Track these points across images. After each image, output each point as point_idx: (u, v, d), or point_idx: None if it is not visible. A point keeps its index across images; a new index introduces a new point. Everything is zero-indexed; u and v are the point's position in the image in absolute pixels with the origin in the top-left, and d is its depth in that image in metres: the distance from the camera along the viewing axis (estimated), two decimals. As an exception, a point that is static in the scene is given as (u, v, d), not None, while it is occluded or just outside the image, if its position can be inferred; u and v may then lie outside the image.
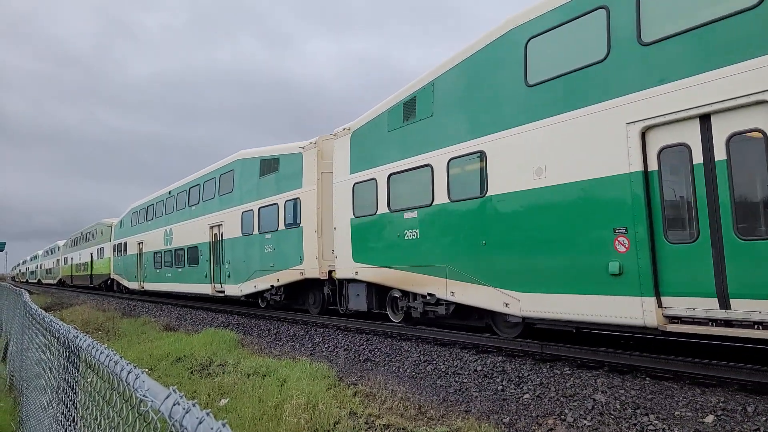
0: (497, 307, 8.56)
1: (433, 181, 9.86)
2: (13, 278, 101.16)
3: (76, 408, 3.33)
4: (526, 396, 6.62)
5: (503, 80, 8.57)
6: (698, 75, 6.20)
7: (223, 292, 18.42)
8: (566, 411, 5.91)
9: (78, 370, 3.29)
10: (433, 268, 9.81)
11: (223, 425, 1.26)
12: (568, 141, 7.53)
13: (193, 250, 20.86)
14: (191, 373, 8.54)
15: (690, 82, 6.26)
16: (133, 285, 29.09)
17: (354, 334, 11.68)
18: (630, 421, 5.51)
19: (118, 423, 2.27)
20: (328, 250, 13.11)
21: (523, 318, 8.23)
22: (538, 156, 7.87)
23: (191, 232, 21.13)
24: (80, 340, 3.04)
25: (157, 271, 25.12)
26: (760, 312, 5.77)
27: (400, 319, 11.47)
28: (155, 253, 25.36)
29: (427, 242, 10.00)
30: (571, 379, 7.01)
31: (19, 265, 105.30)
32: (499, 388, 7.02)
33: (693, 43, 6.32)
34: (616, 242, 6.92)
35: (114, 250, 33.32)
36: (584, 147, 7.34)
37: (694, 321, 6.39)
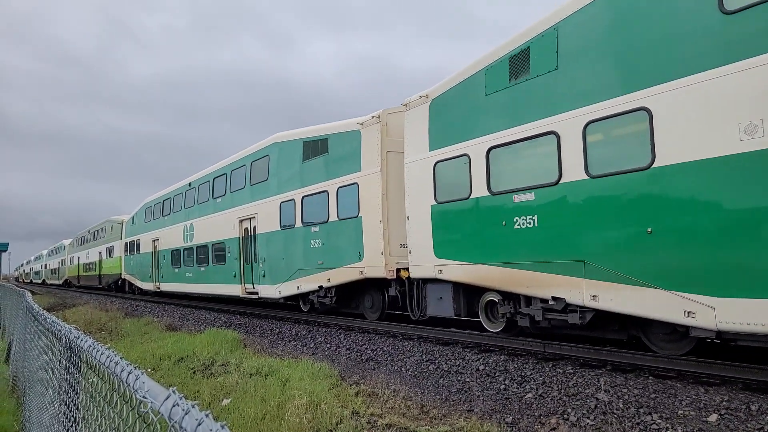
0: (673, 316, 6.51)
1: (560, 152, 7.77)
2: (16, 279, 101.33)
3: (77, 409, 3.33)
4: (529, 395, 6.60)
5: (683, 10, 6.54)
6: None
7: (256, 293, 16.23)
8: (569, 410, 5.90)
9: (79, 371, 3.29)
10: (562, 265, 7.70)
11: (222, 427, 1.25)
12: None
13: (219, 246, 18.83)
14: (194, 372, 8.55)
15: None
16: (147, 286, 27.20)
17: (356, 334, 11.68)
18: (633, 420, 5.49)
19: (119, 424, 2.27)
20: (396, 245, 11.22)
21: (719, 332, 6.19)
22: (750, 108, 5.85)
23: (217, 226, 19.02)
24: (81, 340, 3.04)
25: (176, 270, 23.08)
26: None
27: (499, 329, 9.36)
28: (173, 251, 23.29)
29: (550, 231, 7.90)
30: (574, 378, 7.00)
31: (22, 265, 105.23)
32: (502, 387, 7.01)
33: None
34: None
35: (125, 249, 31.23)
36: None
37: None
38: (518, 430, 5.64)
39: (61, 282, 55.95)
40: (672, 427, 5.25)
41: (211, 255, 19.49)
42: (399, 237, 11.11)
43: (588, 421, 5.58)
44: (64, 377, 3.67)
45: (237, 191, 17.84)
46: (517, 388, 6.91)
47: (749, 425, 5.13)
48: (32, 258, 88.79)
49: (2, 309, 16.02)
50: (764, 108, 5.75)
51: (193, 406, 1.41)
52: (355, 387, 7.08)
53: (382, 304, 12.46)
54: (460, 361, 8.44)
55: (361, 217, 11.89)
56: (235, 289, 17.64)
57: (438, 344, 9.80)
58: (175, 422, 1.43)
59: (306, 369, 7.91)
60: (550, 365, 7.69)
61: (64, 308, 22.83)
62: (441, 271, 9.80)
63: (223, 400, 6.79)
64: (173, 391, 1.58)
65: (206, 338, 11.28)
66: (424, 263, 10.18)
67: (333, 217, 12.77)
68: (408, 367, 8.57)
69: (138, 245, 28.51)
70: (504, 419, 5.82)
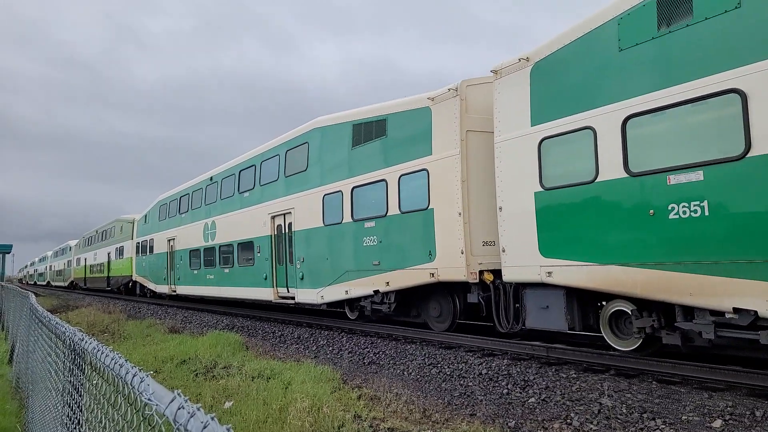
0: None
1: (746, 116, 5.98)
2: (20, 280, 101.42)
3: (81, 411, 3.33)
4: (532, 400, 6.58)
5: None
6: None
7: (292, 298, 14.49)
8: (572, 415, 5.87)
9: (83, 373, 3.29)
10: (753, 267, 5.91)
11: (228, 430, 1.25)
12: None
13: (247, 246, 17.11)
14: (196, 375, 8.54)
15: None
16: (162, 288, 25.59)
17: (358, 337, 11.67)
18: (637, 425, 5.47)
19: (123, 426, 2.26)
20: (478, 242, 9.57)
21: None
22: None
23: (243, 224, 17.28)
24: (85, 342, 3.04)
25: (194, 272, 21.36)
26: None
27: (632, 347, 7.55)
28: (192, 251, 21.59)
29: (731, 222, 6.12)
30: (577, 382, 6.98)
31: (26, 266, 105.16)
32: (505, 391, 6.99)
33: None
34: None
35: (137, 249, 29.63)
36: None
37: None
38: (521, 434, 5.61)
39: (66, 284, 54.50)
40: (676, 433, 5.22)
41: (236, 255, 17.80)
42: (482, 232, 9.57)
43: (591, 426, 5.56)
44: (68, 379, 3.67)
45: (268, 184, 16.08)
46: (520, 393, 6.89)
47: (754, 431, 5.10)
48: (36, 259, 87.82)
49: (6, 311, 16.06)
50: None
51: (198, 409, 1.41)
52: (357, 390, 7.07)
53: (452, 313, 10.55)
54: (463, 364, 8.43)
55: (432, 209, 10.15)
56: (265, 293, 15.91)
57: (440, 348, 9.78)
58: (181, 425, 1.42)
59: (308, 372, 7.90)
60: (553, 370, 7.67)
61: (67, 310, 22.86)
62: (550, 273, 8.05)
63: (225, 403, 6.79)
64: (178, 394, 1.58)
65: (208, 341, 11.27)
66: (523, 264, 8.46)
67: (393, 210, 11.08)
68: (410, 370, 8.56)
69: (151, 245, 26.99)
70: (507, 424, 5.80)
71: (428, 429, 5.60)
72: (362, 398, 6.68)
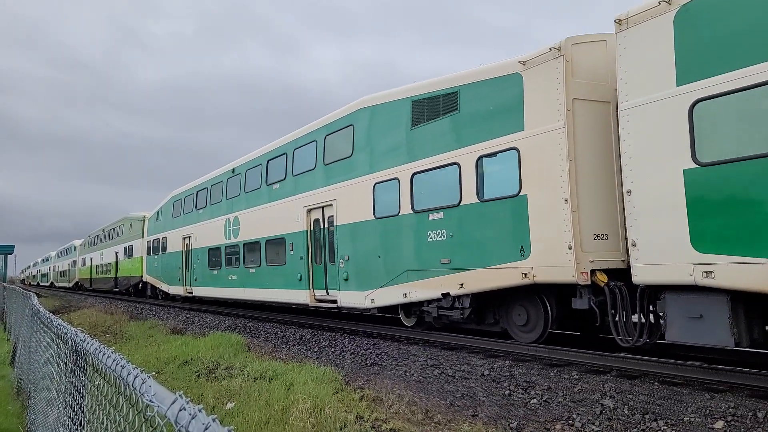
0: None
1: None
2: (22, 281, 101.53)
3: (83, 412, 3.33)
4: (534, 401, 6.58)
5: None
6: None
7: (333, 302, 12.99)
8: (574, 416, 5.87)
9: (85, 374, 3.30)
10: None
11: (230, 431, 1.25)
12: None
13: (277, 243, 15.48)
14: (198, 376, 8.55)
15: None
16: (176, 290, 24.00)
17: (360, 338, 11.66)
18: (639, 426, 5.46)
19: (125, 427, 2.27)
20: (589, 234, 7.99)
21: None
22: None
23: (272, 219, 15.69)
24: (87, 343, 3.05)
25: (214, 272, 19.80)
26: None
27: None
28: (211, 249, 20.03)
29: None
30: (579, 383, 6.97)
31: (29, 267, 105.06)
32: (507, 392, 6.98)
33: None
34: None
35: (148, 248, 27.93)
36: None
37: None
38: (523, 435, 5.61)
39: (71, 285, 53.07)
40: (678, 434, 5.21)
41: (264, 254, 16.19)
42: (593, 223, 8.04)
43: (593, 427, 5.55)
44: (70, 380, 3.68)
45: (303, 174, 14.42)
46: (522, 394, 6.88)
47: (756, 432, 5.09)
48: (39, 260, 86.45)
49: (8, 311, 16.10)
50: None
51: (200, 410, 1.41)
52: (359, 391, 7.07)
53: (543, 320, 8.83)
54: (466, 366, 8.42)
55: (525, 195, 8.55)
56: (299, 296, 14.29)
57: (443, 349, 9.77)
58: (182, 426, 1.43)
59: (310, 373, 7.90)
60: (556, 371, 7.66)
61: (69, 311, 22.91)
62: (709, 273, 6.37)
63: (227, 404, 6.79)
64: (180, 395, 1.58)
65: (210, 342, 11.29)
66: (666, 261, 6.82)
67: (469, 199, 9.44)
68: (413, 371, 8.55)
69: (164, 244, 25.40)
70: (509, 425, 5.79)
71: (430, 430, 5.60)
72: (364, 399, 6.68)
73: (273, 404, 6.36)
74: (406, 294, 10.75)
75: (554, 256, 8.09)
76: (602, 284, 7.68)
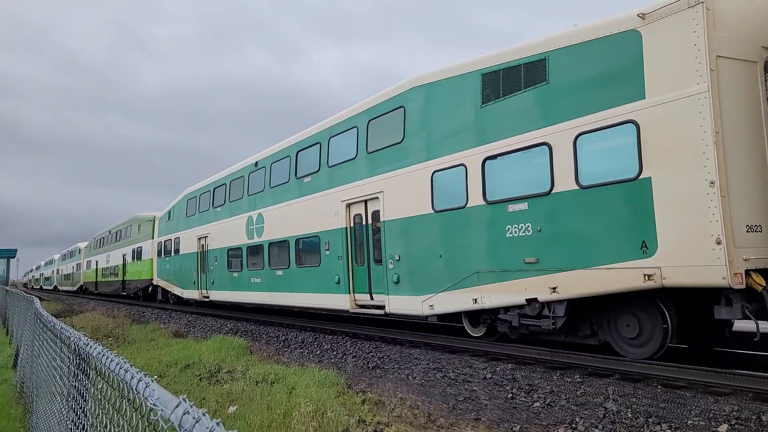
0: None
1: None
2: (25, 285, 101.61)
3: (85, 415, 3.33)
4: (537, 404, 6.56)
5: None
6: None
7: (380, 307, 11.57)
8: (577, 419, 5.85)
9: (88, 378, 3.30)
10: None
11: (233, 435, 1.25)
12: None
13: (309, 242, 14.11)
14: (200, 380, 8.55)
15: None
16: (190, 294, 22.49)
17: (362, 341, 11.65)
18: (642, 430, 5.44)
19: (128, 431, 2.27)
20: (740, 226, 6.54)
21: None
22: None
23: (304, 215, 14.29)
24: (90, 347, 3.05)
25: (234, 275, 18.45)
26: None
27: None
28: (230, 250, 18.71)
29: None
30: (582, 387, 6.95)
31: (32, 270, 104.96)
32: (509, 396, 6.97)
33: None
34: None
35: (159, 250, 26.52)
36: None
37: None
38: (526, 439, 5.60)
39: (75, 289, 51.33)
40: (682, 438, 5.19)
41: (293, 254, 14.78)
42: (746, 212, 6.60)
43: (596, 430, 5.53)
44: (73, 384, 3.68)
45: (341, 164, 12.99)
46: (525, 397, 6.87)
47: (761, 436, 5.07)
48: (42, 263, 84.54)
49: (10, 315, 16.12)
50: None
51: (203, 414, 1.41)
52: (361, 395, 7.06)
53: (661, 333, 7.34)
54: (468, 369, 8.41)
55: (649, 178, 7.01)
56: (336, 301, 12.94)
57: (445, 352, 9.76)
58: (186, 430, 1.43)
59: (312, 376, 7.89)
60: (558, 374, 7.65)
61: (71, 314, 22.93)
62: None
63: (229, 407, 6.78)
64: (183, 399, 1.59)
65: (212, 345, 11.29)
66: None
67: (564, 185, 7.93)
68: (415, 375, 8.54)
69: (177, 245, 24.00)
70: (512, 428, 5.78)
71: (433, 434, 5.58)
72: (366, 403, 6.67)
73: (275, 408, 6.35)
74: (476, 299, 9.20)
75: (695, 253, 6.54)
76: (760, 288, 6.26)
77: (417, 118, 10.74)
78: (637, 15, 7.24)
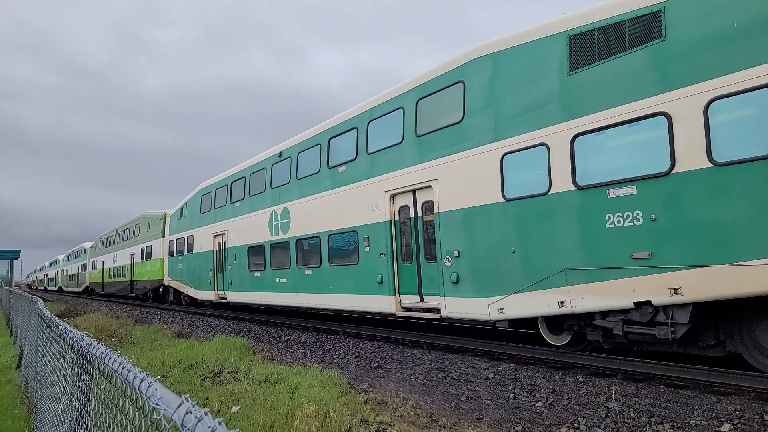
0: None
1: None
2: (28, 286, 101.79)
3: (89, 415, 3.35)
4: (539, 404, 6.56)
5: None
6: None
7: (435, 310, 10.22)
8: (579, 419, 5.85)
9: (91, 378, 3.32)
10: None
11: (235, 434, 1.26)
12: None
13: (345, 238, 12.89)
14: (203, 380, 8.57)
15: None
16: (205, 295, 21.33)
17: (365, 341, 11.66)
18: (644, 429, 5.44)
19: (131, 430, 2.28)
20: None
21: None
22: None
23: (339, 209, 13.06)
24: (94, 347, 3.07)
25: (256, 274, 17.17)
26: None
27: None
28: (251, 248, 17.44)
29: None
30: (585, 386, 6.95)
31: (35, 271, 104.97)
32: (512, 395, 6.97)
33: None
34: None
35: (170, 249, 25.38)
36: None
37: None
38: (528, 439, 5.60)
39: (80, 289, 49.98)
40: (684, 437, 5.19)
41: (326, 251, 13.55)
42: None
43: (598, 430, 5.53)
44: (76, 384, 3.70)
45: (384, 150, 11.70)
46: (527, 397, 6.87)
47: (763, 435, 5.06)
48: (46, 264, 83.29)
49: (14, 316, 16.17)
50: None
51: (206, 414, 1.43)
52: (364, 395, 7.07)
53: None
54: (470, 369, 8.41)
55: None
56: (379, 303, 11.66)
57: (448, 352, 9.76)
58: (188, 430, 1.44)
59: (315, 376, 7.90)
60: (561, 374, 7.65)
61: (75, 315, 22.99)
62: None
63: (232, 407, 6.80)
64: (186, 398, 1.60)
65: (215, 345, 11.31)
66: None
67: (689, 163, 6.57)
68: (417, 375, 8.54)
69: (190, 243, 22.86)
70: (514, 428, 5.78)
71: (435, 433, 5.59)
72: (369, 403, 6.68)
73: (278, 408, 6.36)
74: (563, 302, 7.84)
75: None
76: None
77: (480, 94, 9.35)
78: None
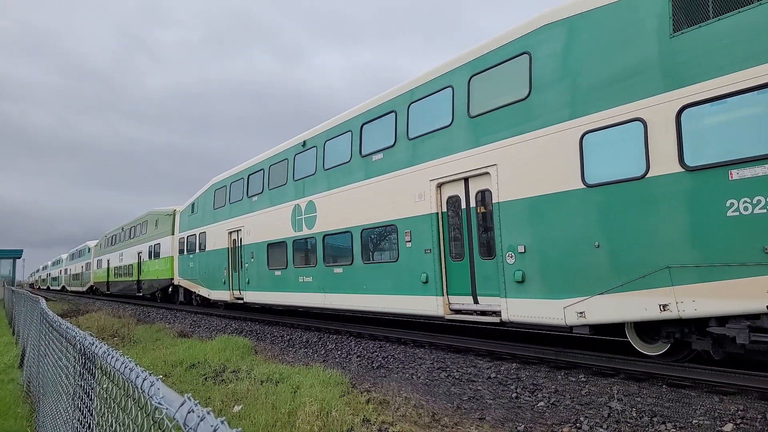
0: None
1: None
2: (31, 285, 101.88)
3: (91, 414, 3.35)
4: (541, 404, 6.55)
5: None
6: None
7: (494, 313, 9.12)
8: (582, 419, 5.84)
9: (93, 377, 3.32)
10: None
11: (238, 433, 1.26)
12: None
13: (382, 233, 11.73)
14: (205, 379, 8.57)
15: None
16: (219, 295, 20.12)
17: (367, 341, 11.66)
18: (647, 429, 5.43)
19: (134, 430, 2.28)
20: None
21: None
22: None
23: (374, 201, 11.86)
24: (96, 347, 3.07)
25: (276, 273, 15.92)
26: None
27: None
28: (271, 245, 16.20)
29: None
30: (587, 386, 6.94)
31: (38, 270, 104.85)
32: (514, 395, 6.96)
33: None
34: None
35: (180, 247, 24.22)
36: None
37: None
38: (530, 438, 5.59)
39: (84, 289, 48.80)
40: (687, 437, 5.18)
41: (358, 248, 12.38)
42: None
43: (601, 430, 5.52)
44: (78, 383, 3.70)
45: (429, 135, 10.45)
46: (530, 397, 6.86)
47: (766, 435, 5.05)
48: (49, 263, 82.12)
49: (16, 315, 16.21)
50: None
51: (208, 413, 1.42)
52: (366, 394, 7.07)
53: None
54: (472, 368, 8.40)
55: None
56: (423, 304, 10.46)
57: (450, 352, 9.76)
58: (191, 428, 1.44)
59: (317, 376, 7.90)
60: (563, 373, 7.64)
61: (77, 314, 23.03)
62: None
63: (234, 407, 6.80)
64: (188, 398, 1.60)
65: (217, 345, 11.32)
66: None
67: None
68: (419, 374, 8.54)
69: (202, 241, 21.69)
70: (516, 428, 5.77)
71: (437, 433, 5.59)
72: (371, 402, 6.68)
73: (280, 407, 6.37)
74: (665, 305, 6.68)
75: None
76: None
77: (552, 65, 8.20)
78: None
